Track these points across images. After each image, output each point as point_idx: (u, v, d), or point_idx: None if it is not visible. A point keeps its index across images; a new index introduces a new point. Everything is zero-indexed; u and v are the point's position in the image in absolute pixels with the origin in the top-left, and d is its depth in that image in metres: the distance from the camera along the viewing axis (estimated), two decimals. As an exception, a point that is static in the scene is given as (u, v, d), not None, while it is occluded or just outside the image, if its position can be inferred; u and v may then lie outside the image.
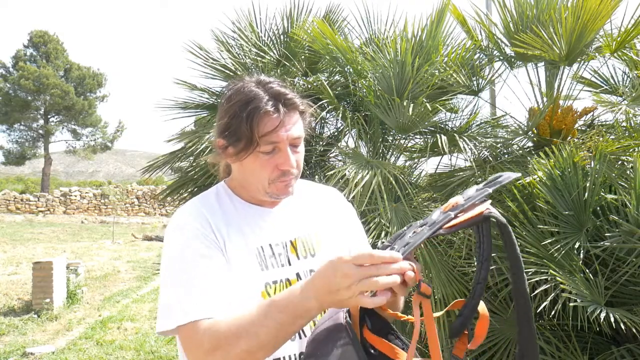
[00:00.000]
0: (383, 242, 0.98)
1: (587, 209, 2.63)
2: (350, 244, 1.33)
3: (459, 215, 0.92)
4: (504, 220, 0.91)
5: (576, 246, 2.55)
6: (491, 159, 3.31)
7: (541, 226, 2.64)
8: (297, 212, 1.31)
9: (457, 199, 0.95)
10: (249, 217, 1.24)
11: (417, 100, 3.19)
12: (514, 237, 0.91)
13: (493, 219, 0.90)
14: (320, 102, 3.44)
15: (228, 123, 1.17)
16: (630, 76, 3.35)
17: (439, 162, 3.58)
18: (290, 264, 1.23)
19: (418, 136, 3.66)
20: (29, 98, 32.11)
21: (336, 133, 3.88)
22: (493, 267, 2.68)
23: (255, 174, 1.20)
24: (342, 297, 0.90)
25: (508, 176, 0.96)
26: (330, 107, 3.49)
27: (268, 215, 1.27)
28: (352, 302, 0.90)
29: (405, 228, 1.00)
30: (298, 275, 1.24)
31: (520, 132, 3.36)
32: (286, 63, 3.83)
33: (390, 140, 3.65)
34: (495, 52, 3.51)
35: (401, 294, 0.94)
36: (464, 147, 3.20)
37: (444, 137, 3.23)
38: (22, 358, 5.79)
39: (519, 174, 1.02)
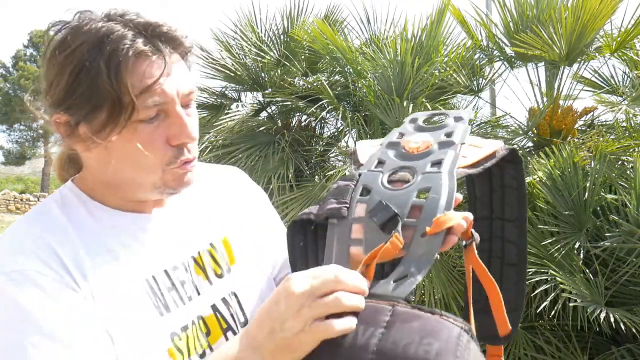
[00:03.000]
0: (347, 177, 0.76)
1: (587, 209, 2.63)
2: (271, 244, 0.95)
3: (464, 155, 0.74)
4: (520, 158, 0.83)
5: (576, 246, 2.55)
6: (491, 159, 3.31)
7: (541, 226, 2.64)
8: (192, 211, 0.86)
9: (416, 139, 0.76)
10: (123, 233, 0.78)
11: (417, 100, 3.19)
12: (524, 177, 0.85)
13: (506, 157, 0.77)
14: (320, 102, 3.45)
15: (72, 83, 0.68)
16: (630, 76, 3.35)
17: (439, 162, 3.58)
18: (199, 293, 0.81)
19: (418, 136, 3.66)
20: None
21: (336, 133, 3.89)
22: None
23: (141, 160, 0.73)
24: (290, 331, 0.58)
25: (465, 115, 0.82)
26: (330, 107, 3.49)
27: (150, 225, 0.81)
28: (307, 338, 0.57)
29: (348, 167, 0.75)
30: (215, 307, 0.82)
31: (520, 132, 3.36)
32: (286, 63, 3.83)
33: (390, 140, 3.66)
34: (496, 52, 3.51)
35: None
36: (464, 147, 3.20)
37: (444, 137, 3.23)
38: (22, 358, 5.79)
39: (471, 113, 0.87)
